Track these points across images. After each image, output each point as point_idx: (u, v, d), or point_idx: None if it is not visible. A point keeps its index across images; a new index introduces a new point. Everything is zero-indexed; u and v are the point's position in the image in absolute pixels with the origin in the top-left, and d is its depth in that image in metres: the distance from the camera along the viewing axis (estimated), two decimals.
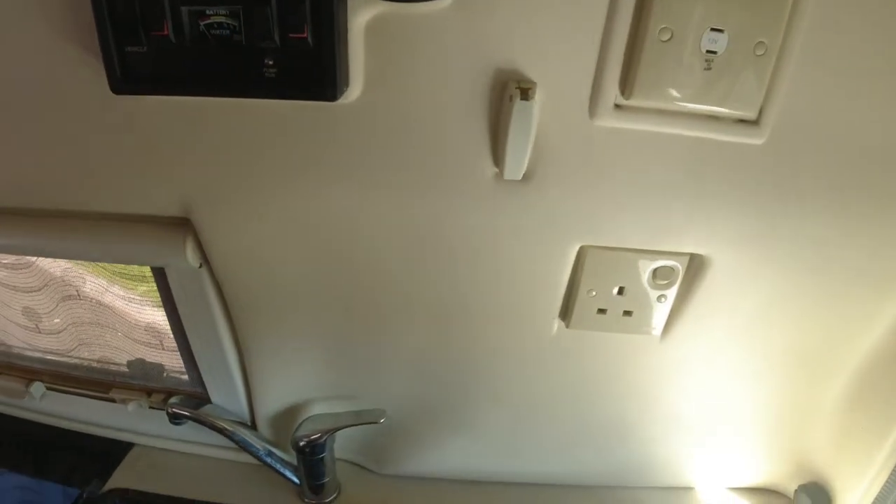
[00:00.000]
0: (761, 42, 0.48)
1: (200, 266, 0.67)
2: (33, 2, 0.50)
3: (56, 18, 0.51)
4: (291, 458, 0.83)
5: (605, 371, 0.73)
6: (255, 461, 0.84)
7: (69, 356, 0.91)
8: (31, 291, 0.84)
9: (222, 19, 0.47)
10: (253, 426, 0.86)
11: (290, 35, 0.47)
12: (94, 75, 0.52)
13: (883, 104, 0.51)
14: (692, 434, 0.81)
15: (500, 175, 0.55)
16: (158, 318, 0.80)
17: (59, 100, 0.56)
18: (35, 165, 0.62)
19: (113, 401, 0.90)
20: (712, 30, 0.47)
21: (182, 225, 0.64)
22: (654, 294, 0.64)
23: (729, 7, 0.47)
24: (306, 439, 0.79)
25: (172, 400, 0.82)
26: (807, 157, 0.55)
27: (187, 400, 0.83)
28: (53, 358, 0.93)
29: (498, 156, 0.54)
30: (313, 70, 0.48)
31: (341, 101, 0.51)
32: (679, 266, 0.63)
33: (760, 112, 0.52)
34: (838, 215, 0.58)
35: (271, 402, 0.81)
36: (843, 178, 0.56)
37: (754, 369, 0.73)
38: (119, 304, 0.80)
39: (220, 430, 0.80)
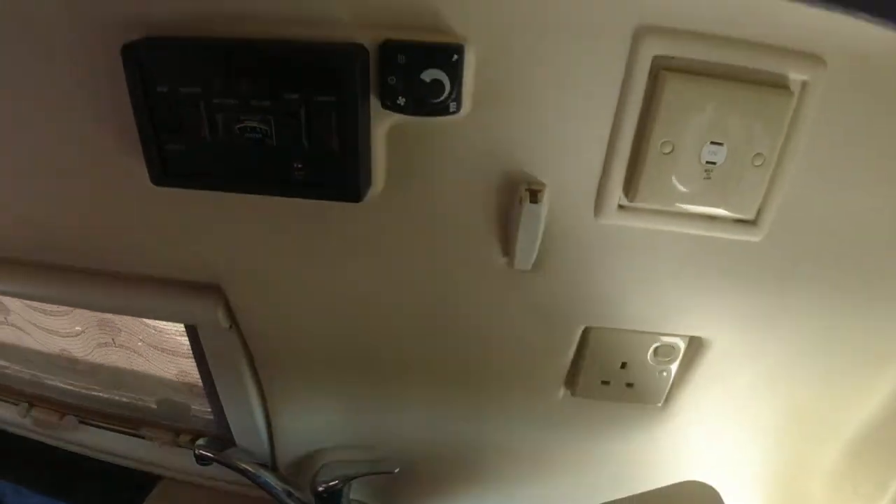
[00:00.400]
0: (759, 154, 0.51)
1: (230, 327, 0.72)
2: (87, 105, 0.56)
3: (104, 117, 0.56)
4: (310, 500, 0.88)
5: (608, 434, 0.76)
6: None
7: (102, 394, 0.97)
8: (68, 336, 0.90)
9: (255, 124, 0.52)
10: (274, 468, 0.91)
11: (318, 142, 0.51)
12: (137, 163, 0.57)
13: (872, 199, 0.54)
14: None
15: (509, 264, 0.59)
16: (189, 366, 0.85)
17: (107, 181, 0.61)
18: (80, 230, 0.67)
19: (142, 437, 0.95)
20: (712, 143, 0.51)
21: (214, 289, 0.69)
22: (655, 369, 0.67)
23: (729, 123, 0.50)
24: (325, 485, 0.83)
25: (199, 442, 0.87)
26: (803, 250, 0.57)
27: (213, 442, 0.87)
28: (87, 393, 0.98)
29: (508, 247, 0.58)
30: (339, 173, 0.52)
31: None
32: (680, 344, 0.66)
33: (758, 213, 0.55)
34: (835, 301, 0.61)
35: (292, 448, 0.86)
36: (838, 267, 0.59)
37: (753, 435, 0.76)
38: (152, 352, 0.86)
39: (243, 472, 0.85)
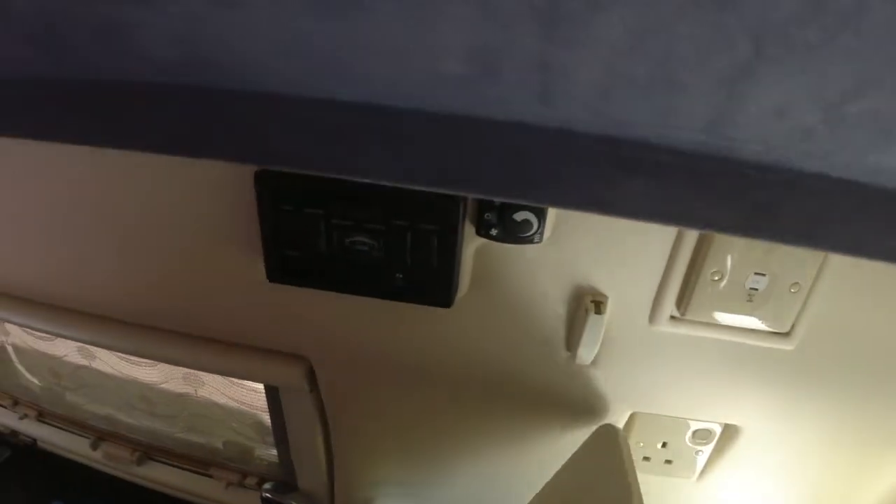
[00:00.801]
0: (796, 283, 0.60)
1: (311, 391, 0.81)
2: (222, 219, 0.65)
3: (228, 228, 0.66)
4: None
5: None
6: None
7: (176, 436, 1.05)
8: (152, 385, 0.99)
9: (366, 239, 0.61)
10: None
11: (419, 259, 0.60)
12: (251, 261, 0.66)
13: (888, 325, 0.63)
14: None
15: (571, 358, 0.68)
16: (263, 417, 0.94)
17: (229, 268, 0.70)
18: (198, 306, 0.76)
19: (211, 476, 1.04)
20: (756, 273, 0.59)
21: (302, 358, 0.78)
22: (692, 449, 0.76)
23: (771, 257, 0.59)
24: None
25: (266, 486, 0.96)
26: (829, 358, 0.66)
27: (279, 486, 0.96)
28: (161, 433, 1.07)
29: (571, 344, 0.67)
30: (434, 285, 0.61)
31: None
32: (716, 429, 0.74)
33: (792, 327, 0.63)
34: (854, 400, 0.69)
35: (351, 495, 0.95)
36: (859, 372, 0.67)
37: None
38: (232, 405, 0.95)
39: None
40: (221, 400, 0.95)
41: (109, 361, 1.00)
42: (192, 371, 0.94)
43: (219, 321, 0.77)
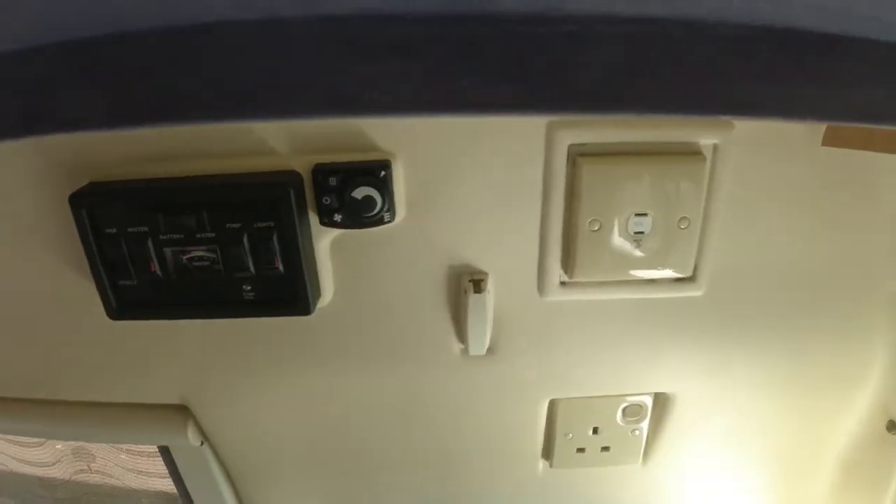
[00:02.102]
0: (684, 217, 0.54)
1: (202, 444, 0.72)
2: (42, 249, 0.57)
3: (58, 259, 0.57)
4: None
5: (595, 501, 0.76)
6: None
7: None
8: (44, 466, 0.89)
9: (202, 253, 0.53)
10: None
11: (263, 264, 0.53)
12: (93, 300, 0.58)
13: (793, 242, 0.58)
14: None
15: (466, 351, 0.60)
16: (167, 485, 0.84)
17: (67, 314, 0.61)
18: (43, 365, 0.67)
19: None
20: (636, 215, 0.54)
21: (181, 409, 0.69)
22: (627, 429, 0.69)
23: (649, 194, 0.53)
24: None
25: None
26: (743, 298, 0.60)
27: None
28: None
29: (462, 335, 0.59)
30: (287, 291, 0.54)
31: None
32: (647, 402, 0.67)
33: (695, 269, 0.57)
34: (785, 339, 0.63)
35: None
36: (784, 308, 0.61)
37: (739, 477, 0.76)
38: (129, 476, 0.85)
39: None
40: (119, 473, 0.84)
41: (1, 447, 0.90)
42: (80, 445, 0.84)
43: (75, 378, 0.68)
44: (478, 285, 0.55)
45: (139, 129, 0.29)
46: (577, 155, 0.52)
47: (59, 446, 0.85)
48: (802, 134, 0.53)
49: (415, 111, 0.26)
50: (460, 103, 0.27)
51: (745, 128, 0.52)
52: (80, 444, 0.84)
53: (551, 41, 0.25)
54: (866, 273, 0.60)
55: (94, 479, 0.87)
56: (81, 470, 0.87)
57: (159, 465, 0.82)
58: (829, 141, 0.53)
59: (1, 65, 0.26)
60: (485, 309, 0.56)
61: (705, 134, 0.53)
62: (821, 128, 0.52)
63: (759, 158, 0.54)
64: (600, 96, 0.27)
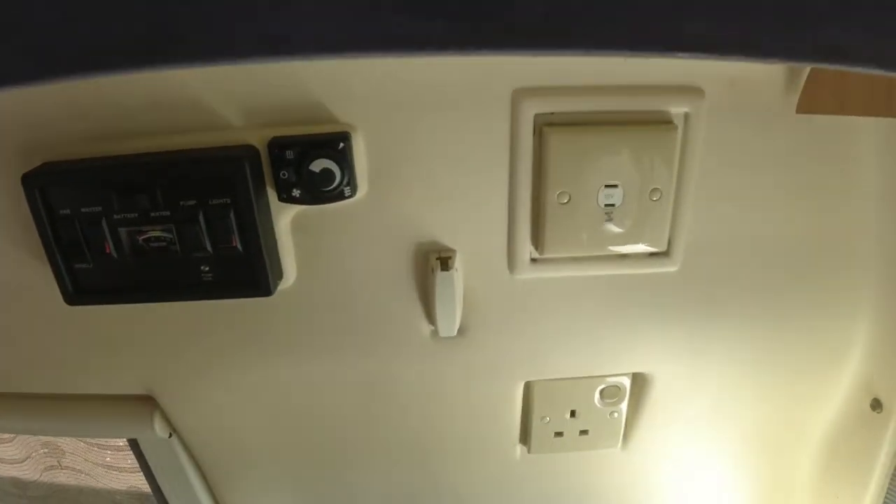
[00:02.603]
0: (656, 189, 0.52)
1: (170, 436, 0.70)
2: (2, 232, 0.55)
3: (12, 243, 0.55)
4: None
5: (574, 487, 0.74)
6: None
7: None
8: (15, 463, 0.86)
9: (158, 234, 0.51)
10: None
11: (221, 243, 0.51)
12: (49, 285, 0.56)
13: (768, 213, 0.56)
14: None
15: (436, 333, 0.59)
16: (139, 482, 0.82)
17: (24, 302, 0.59)
18: (6, 356, 0.65)
19: None
20: (607, 186, 0.52)
21: (147, 400, 0.67)
22: (605, 411, 0.67)
23: (619, 165, 0.51)
24: None
25: None
26: (722, 272, 0.58)
27: None
28: None
29: (432, 316, 0.58)
30: (246, 271, 0.52)
31: (279, 287, 0.55)
32: (624, 382, 0.65)
33: (669, 243, 0.56)
34: (764, 315, 0.62)
35: None
36: (761, 282, 0.60)
37: (720, 461, 0.75)
38: (99, 471, 0.82)
39: None
40: (89, 468, 0.82)
41: None
42: (49, 440, 0.82)
43: (36, 369, 0.66)
44: (445, 263, 0.54)
45: (64, 80, 0.27)
46: (544, 125, 0.50)
47: (29, 441, 0.83)
48: (777, 101, 0.51)
49: (343, 51, 0.24)
50: (390, 41, 0.25)
51: (717, 96, 0.51)
52: (49, 439, 0.82)
53: None
54: (847, 245, 0.58)
55: (65, 474, 0.85)
56: (52, 466, 0.85)
57: (130, 460, 0.80)
58: (803, 107, 0.51)
59: None
60: (453, 287, 0.54)
61: (676, 102, 0.51)
62: (795, 94, 0.51)
63: (731, 127, 0.52)
64: (544, 29, 0.25)
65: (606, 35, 0.26)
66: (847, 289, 0.61)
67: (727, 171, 0.54)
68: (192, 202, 0.50)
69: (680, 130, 0.51)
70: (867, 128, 0.52)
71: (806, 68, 0.50)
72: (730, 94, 0.51)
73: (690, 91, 0.51)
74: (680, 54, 0.26)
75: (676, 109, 0.51)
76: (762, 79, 0.50)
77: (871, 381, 0.66)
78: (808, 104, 0.51)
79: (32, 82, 0.27)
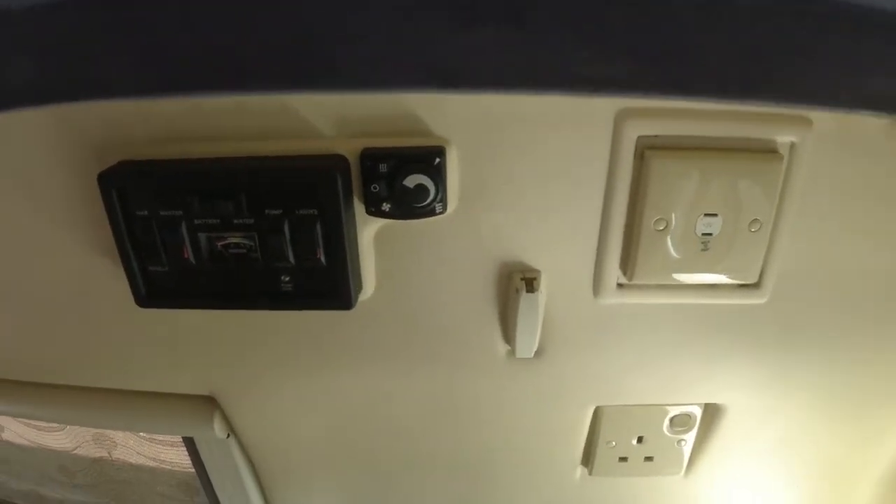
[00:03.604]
0: (755, 220, 0.50)
1: (228, 436, 0.69)
2: (70, 233, 0.54)
3: (88, 243, 0.54)
4: None
5: None
6: None
7: None
8: (64, 451, 0.87)
9: (239, 240, 0.50)
10: None
11: (304, 254, 0.49)
12: (123, 286, 0.55)
13: (866, 251, 0.54)
14: None
15: (512, 353, 0.57)
16: (188, 476, 0.82)
17: (92, 300, 0.59)
18: (72, 352, 0.65)
19: None
20: (706, 215, 0.50)
21: (209, 400, 0.66)
22: (673, 439, 0.65)
23: (720, 193, 0.49)
24: None
25: None
26: (807, 308, 0.56)
27: None
28: None
29: (510, 336, 0.56)
30: (328, 283, 0.50)
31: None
32: (696, 412, 0.63)
33: (760, 276, 0.53)
34: (848, 349, 0.59)
35: None
36: (842, 321, 0.57)
37: (783, 492, 0.73)
38: (150, 464, 0.82)
39: None
40: (138, 461, 0.82)
41: (18, 430, 0.88)
42: (101, 431, 0.82)
43: (102, 366, 0.65)
44: (530, 284, 0.52)
45: (179, 97, 0.25)
46: (646, 148, 0.48)
47: (80, 430, 0.83)
48: (883, 132, 0.49)
49: (520, 87, 0.23)
50: (570, 79, 0.23)
51: (825, 126, 0.48)
52: (100, 431, 0.82)
53: (679, 11, 0.22)
54: None
55: (114, 466, 0.85)
56: (102, 457, 0.85)
57: (182, 456, 0.80)
58: None
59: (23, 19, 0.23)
60: (537, 310, 0.53)
61: (783, 131, 0.48)
62: None
63: (836, 158, 0.49)
64: (730, 79, 0.23)
65: (795, 88, 0.24)
66: None
67: (826, 202, 0.51)
68: (277, 211, 0.48)
69: (785, 161, 0.49)
70: None
71: None
72: (836, 125, 0.48)
73: (798, 120, 0.48)
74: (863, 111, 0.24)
75: (783, 139, 0.49)
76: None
77: None
78: None
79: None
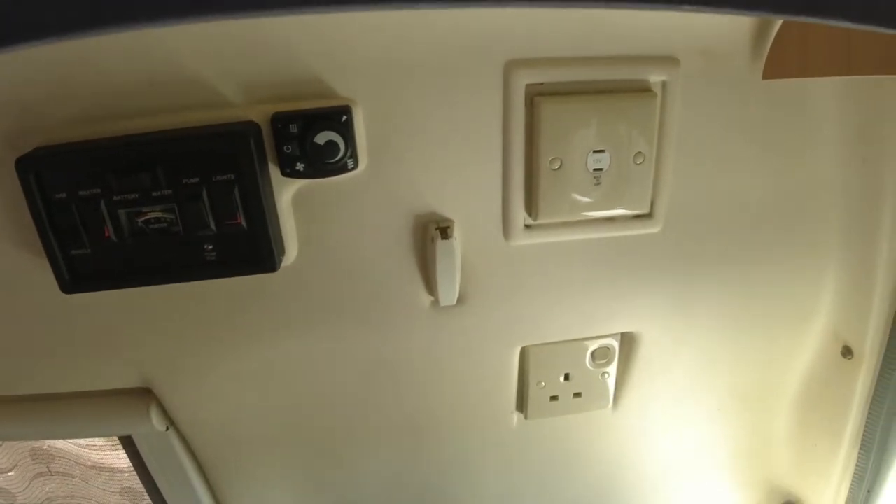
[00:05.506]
0: (639, 153, 0.56)
1: (167, 429, 0.69)
2: None
3: (7, 230, 0.54)
4: None
5: (570, 450, 0.77)
6: None
7: None
8: (2, 472, 0.84)
9: (159, 214, 0.52)
10: None
11: (225, 220, 0.51)
12: (44, 272, 0.55)
13: (746, 176, 0.61)
14: (662, 490, 0.85)
15: (436, 303, 0.60)
16: (133, 482, 0.80)
17: (11, 296, 0.58)
18: None
19: None
20: (595, 151, 0.55)
21: (144, 392, 0.66)
22: (596, 373, 0.70)
23: (605, 131, 0.54)
24: None
25: None
26: (700, 234, 0.62)
27: None
28: None
29: (431, 286, 0.59)
30: (250, 247, 0.53)
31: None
32: (614, 344, 0.68)
33: (651, 205, 0.59)
34: (743, 273, 0.66)
35: None
36: (737, 241, 0.64)
37: (705, 417, 0.79)
38: (91, 473, 0.81)
39: None
40: (80, 471, 0.80)
41: None
42: (36, 445, 0.79)
43: (26, 367, 0.64)
44: (444, 232, 0.56)
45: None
46: (535, 95, 0.53)
47: (16, 448, 0.81)
48: (745, 68, 0.56)
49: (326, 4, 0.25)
50: None
51: (691, 65, 0.54)
52: (36, 444, 0.80)
53: None
54: (815, 200, 0.63)
55: (56, 480, 0.83)
56: (41, 473, 0.82)
57: (123, 460, 0.79)
58: (769, 73, 0.56)
59: None
60: (453, 256, 0.56)
61: (654, 71, 0.55)
62: (761, 62, 0.55)
63: (705, 94, 0.56)
64: None
65: None
66: (816, 243, 0.66)
67: (703, 136, 0.58)
68: (194, 180, 0.50)
69: (659, 97, 0.55)
70: (828, 88, 0.57)
71: (770, 37, 0.54)
72: (703, 64, 0.55)
73: (667, 61, 0.54)
74: (686, 7, 0.28)
75: (655, 78, 0.55)
76: (731, 49, 0.55)
77: (840, 329, 0.71)
78: (773, 70, 0.56)
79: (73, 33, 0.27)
